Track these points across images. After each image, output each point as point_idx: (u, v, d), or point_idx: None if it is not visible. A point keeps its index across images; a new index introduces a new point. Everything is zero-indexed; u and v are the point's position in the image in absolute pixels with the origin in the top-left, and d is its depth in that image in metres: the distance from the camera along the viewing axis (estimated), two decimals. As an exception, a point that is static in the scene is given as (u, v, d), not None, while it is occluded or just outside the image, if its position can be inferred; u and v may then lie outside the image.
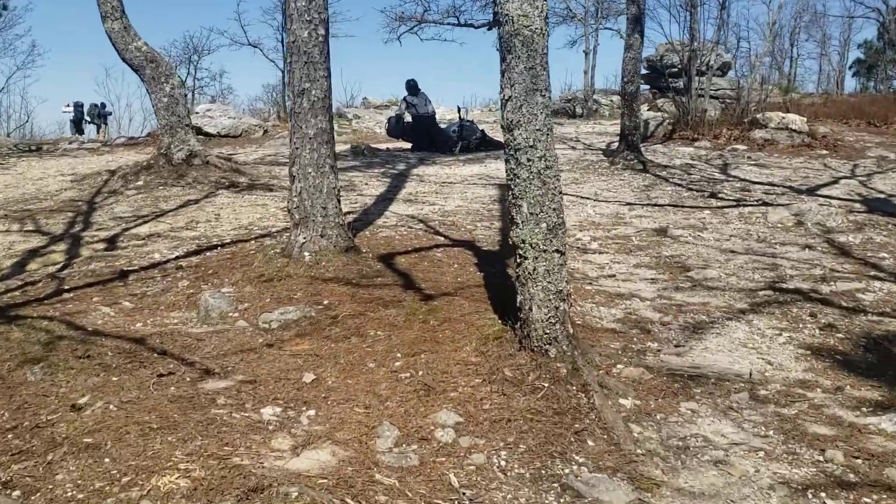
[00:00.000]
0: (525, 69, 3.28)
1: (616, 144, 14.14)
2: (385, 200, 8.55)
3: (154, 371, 3.39)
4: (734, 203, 8.48)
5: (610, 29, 25.76)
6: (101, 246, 6.56)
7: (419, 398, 3.14)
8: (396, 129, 14.34)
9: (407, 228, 6.72)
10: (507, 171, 3.46)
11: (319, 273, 4.81)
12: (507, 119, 3.35)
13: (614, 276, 5.51)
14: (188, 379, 3.34)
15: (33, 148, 16.47)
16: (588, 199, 8.68)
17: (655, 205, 8.36)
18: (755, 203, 8.45)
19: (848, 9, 39.46)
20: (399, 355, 3.56)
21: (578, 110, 25.48)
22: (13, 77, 34.46)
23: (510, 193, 3.47)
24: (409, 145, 14.70)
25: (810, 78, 38.28)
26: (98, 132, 25.09)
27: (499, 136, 17.82)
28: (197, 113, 18.99)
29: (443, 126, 14.99)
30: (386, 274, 4.92)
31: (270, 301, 4.37)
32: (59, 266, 5.85)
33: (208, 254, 5.83)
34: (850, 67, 40.36)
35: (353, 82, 68.13)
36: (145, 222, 7.67)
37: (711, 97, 27.10)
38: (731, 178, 10.22)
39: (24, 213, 8.21)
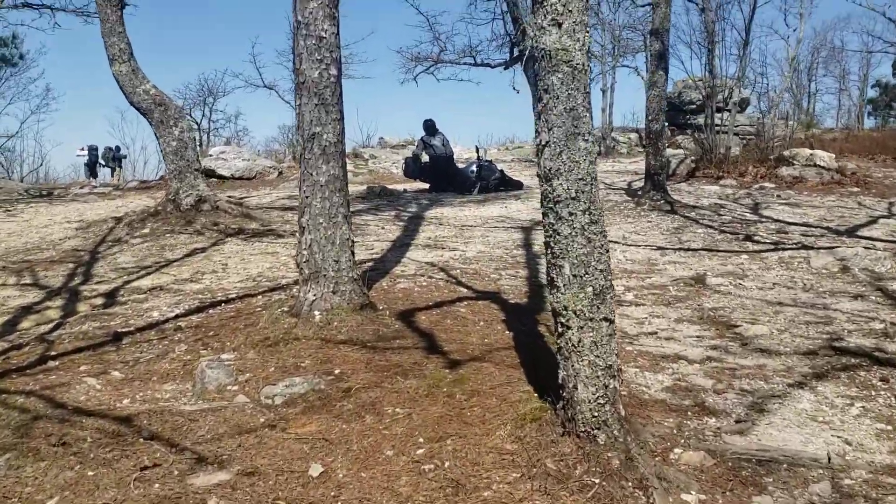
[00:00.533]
0: (565, 110, 2.84)
1: (639, 184, 13.69)
2: (403, 246, 8.11)
3: (138, 462, 2.92)
4: (772, 246, 7.96)
5: (627, 66, 25.50)
6: (100, 301, 6.14)
7: (446, 498, 2.64)
8: (414, 169, 13.99)
9: (427, 278, 6.26)
10: (545, 227, 3.00)
11: (331, 335, 4.34)
12: (545, 167, 2.90)
13: (655, 333, 4.99)
14: (176, 472, 2.86)
15: (44, 193, 16.27)
16: (616, 243, 8.19)
17: (688, 249, 7.86)
18: (794, 246, 7.93)
19: (866, 44, 39.08)
20: (421, 440, 3.07)
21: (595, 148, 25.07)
22: (27, 121, 34.65)
23: (549, 252, 3.00)
24: (426, 186, 14.33)
25: (829, 113, 37.83)
26: (113, 175, 24.98)
27: (517, 175, 17.45)
28: (210, 155, 18.79)
29: (461, 166, 14.63)
30: (405, 334, 4.44)
31: (275, 370, 3.89)
32: (52, 325, 5.43)
33: (211, 311, 5.39)
34: (868, 103, 39.90)
35: (369, 122, 68.60)
36: (148, 274, 7.26)
37: (727, 133, 26.74)
38: (764, 219, 9.71)
39: (24, 264, 7.83)
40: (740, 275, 6.71)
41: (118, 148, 24.93)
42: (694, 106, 27.31)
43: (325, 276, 4.64)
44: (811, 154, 13.96)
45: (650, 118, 10.67)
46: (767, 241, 8.27)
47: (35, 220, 11.36)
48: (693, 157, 15.76)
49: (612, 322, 2.93)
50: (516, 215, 10.55)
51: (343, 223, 4.74)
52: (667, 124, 29.52)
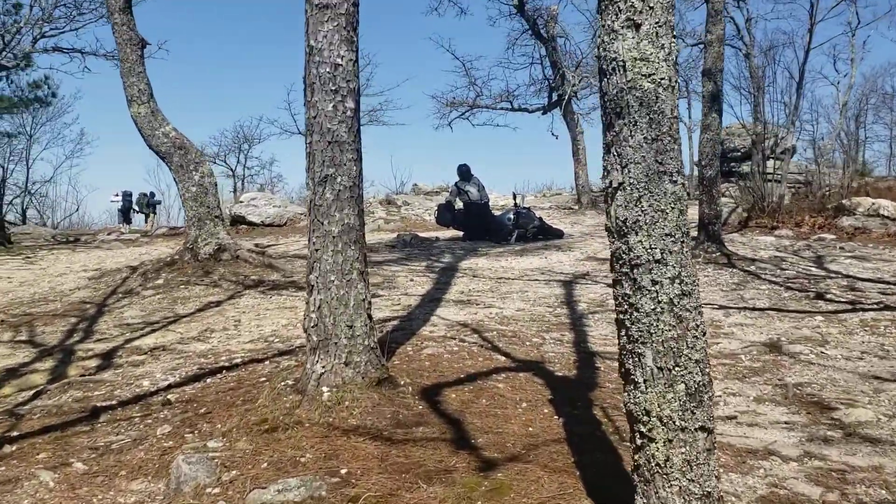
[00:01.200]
0: (646, 141, 2.09)
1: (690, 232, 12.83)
2: (432, 301, 7.36)
3: None
4: (849, 306, 7.03)
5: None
6: (93, 364, 5.48)
7: None
8: (447, 217, 13.31)
9: (458, 342, 5.47)
10: (617, 300, 2.23)
11: (340, 418, 3.57)
12: (618, 217, 2.15)
13: (735, 417, 4.13)
14: None
15: (70, 239, 15.93)
16: (671, 300, 7.33)
17: (755, 309, 6.96)
18: (876, 307, 6.98)
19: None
20: (446, 585, 2.27)
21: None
22: (61, 166, 34.99)
23: (622, 333, 2.22)
24: (460, 234, 13.63)
25: (878, 161, 36.44)
26: (146, 221, 24.81)
27: (556, 224, 16.68)
28: (241, 202, 18.40)
29: (497, 214, 13.91)
30: (430, 420, 3.65)
31: (268, 466, 3.13)
32: (32, 393, 4.76)
33: (209, 380, 4.66)
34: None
35: (402, 169, 68.52)
36: (154, 331, 6.61)
37: (778, 181, 25.72)
38: (833, 275, 8.76)
39: (25, 317, 7.25)
40: (820, 341, 5.80)
41: (153, 194, 24.80)
42: (739, 153, 26.44)
43: (335, 343, 3.89)
44: (873, 203, 12.98)
45: (703, 164, 9.87)
46: (842, 299, 7.34)
47: (52, 269, 10.88)
48: (744, 207, 14.83)
49: (710, 432, 2.12)
50: (557, 267, 9.76)
51: (358, 281, 4.01)
52: (710, 171, 28.72)
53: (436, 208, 13.64)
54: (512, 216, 12.89)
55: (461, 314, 6.70)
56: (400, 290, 8.13)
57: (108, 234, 17.42)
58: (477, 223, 13.10)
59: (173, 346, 5.99)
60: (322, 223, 3.94)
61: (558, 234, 13.30)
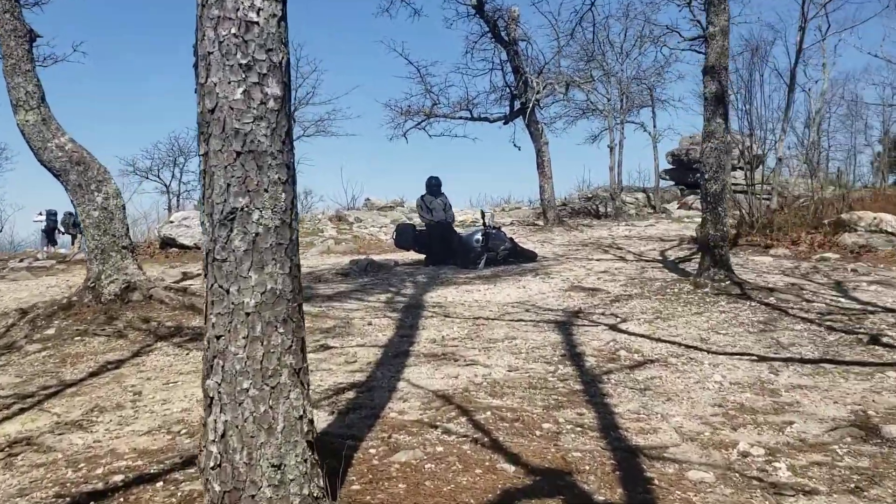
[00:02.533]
0: None
1: (676, 254, 11.46)
2: (399, 356, 5.76)
3: None
4: (915, 352, 5.67)
5: (633, 122, 23.63)
6: None
7: None
8: (407, 239, 11.71)
9: (442, 434, 3.88)
10: None
11: None
12: None
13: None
14: None
15: (-30, 268, 13.84)
16: (697, 349, 5.87)
17: (805, 361, 5.53)
18: (947, 352, 5.63)
19: (882, 98, 37.68)
20: None
21: (602, 209, 23.04)
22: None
23: None
24: (421, 257, 12.05)
25: (847, 168, 36.05)
26: (73, 243, 22.60)
27: (525, 242, 15.22)
28: (172, 222, 16.51)
29: (462, 234, 12.37)
30: None
31: None
32: None
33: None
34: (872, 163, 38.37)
35: (354, 182, 66.18)
36: (24, 409, 4.89)
37: (745, 192, 24.78)
38: (869, 307, 7.43)
39: None
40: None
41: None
42: (705, 163, 25.34)
43: (252, 497, 2.25)
44: (875, 218, 11.84)
45: (707, 177, 8.48)
46: (900, 343, 5.97)
47: (-74, 310, 8.92)
48: (731, 223, 13.57)
49: None
50: (541, 300, 8.24)
51: (291, 386, 2.39)
52: (673, 183, 27.65)
53: (394, 229, 12.01)
54: (480, 237, 11.36)
55: (438, 378, 5.11)
56: (356, 337, 6.51)
57: (20, 261, 15.32)
58: (441, 246, 11.55)
59: (41, 439, 4.28)
60: (227, 291, 2.31)
61: (531, 257, 11.82)
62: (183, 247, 16.01)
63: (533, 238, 16.21)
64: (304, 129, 22.79)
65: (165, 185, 26.96)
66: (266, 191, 2.34)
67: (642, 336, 6.32)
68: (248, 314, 2.32)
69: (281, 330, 2.36)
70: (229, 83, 2.31)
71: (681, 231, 16.60)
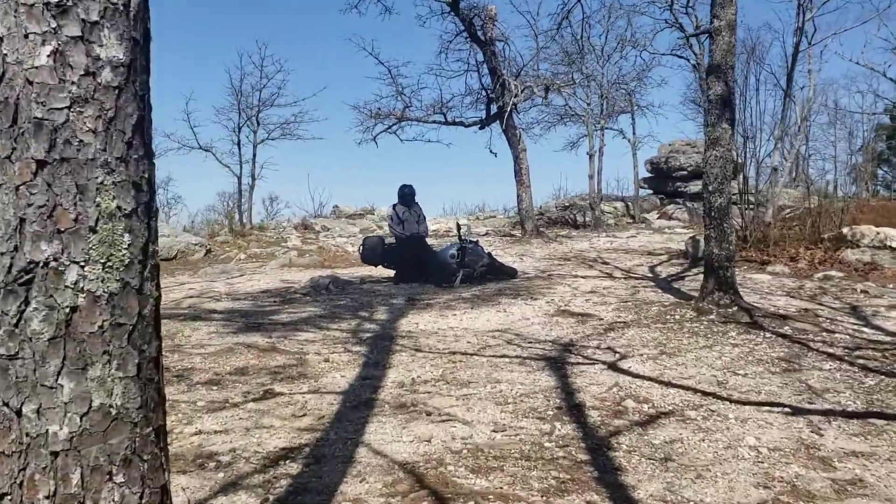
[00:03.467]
0: None
1: (667, 270, 10.56)
2: (357, 409, 4.72)
3: None
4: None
5: (612, 129, 22.81)
6: None
7: None
8: (374, 253, 10.66)
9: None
10: None
11: None
12: None
13: None
14: None
15: None
16: (717, 396, 4.91)
17: (850, 414, 4.59)
18: None
19: (862, 107, 37.35)
20: None
21: (580, 219, 22.18)
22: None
23: None
24: (391, 272, 11.01)
25: (822, 178, 35.69)
26: None
27: (502, 255, 14.24)
28: (122, 230, 15.15)
29: (436, 248, 11.35)
30: None
31: None
32: None
33: None
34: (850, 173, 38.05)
35: (321, 188, 64.22)
36: None
37: (761, 206, 24.08)
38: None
39: None
40: None
41: None
42: (686, 172, 24.75)
43: None
44: (879, 233, 11.06)
45: (711, 190, 7.56)
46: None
47: None
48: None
49: None
50: (525, 328, 7.25)
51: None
52: (651, 192, 26.92)
53: (360, 243, 10.94)
54: (456, 252, 10.35)
55: (406, 441, 4.08)
56: (309, 379, 5.45)
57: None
58: (413, 261, 10.52)
59: None
60: (18, 413, 1.25)
61: (511, 273, 10.83)
62: (133, 258, 14.79)
63: (511, 251, 15.25)
64: (268, 132, 21.61)
65: None
66: (93, 230, 1.30)
67: (649, 379, 5.34)
68: (55, 454, 1.27)
69: (120, 479, 1.32)
70: (26, 37, 1.27)
71: (665, 244, 15.75)
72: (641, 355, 6.02)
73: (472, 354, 6.14)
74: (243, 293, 10.09)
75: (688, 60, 21.91)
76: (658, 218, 23.11)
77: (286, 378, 5.51)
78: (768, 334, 6.63)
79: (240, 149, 21.34)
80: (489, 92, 17.04)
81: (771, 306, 7.91)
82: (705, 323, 7.08)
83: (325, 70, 58.89)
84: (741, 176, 13.75)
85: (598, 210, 20.54)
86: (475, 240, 11.18)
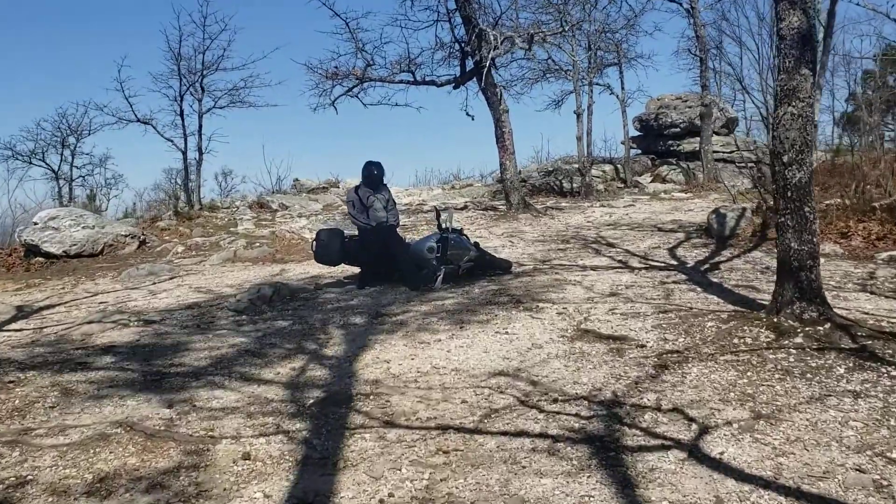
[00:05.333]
0: None
1: (691, 254, 8.49)
2: None
3: None
4: None
5: (599, 84, 20.57)
6: None
7: None
8: (331, 249, 8.44)
9: None
10: None
11: None
12: None
13: None
14: None
15: None
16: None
17: None
18: None
19: (861, 51, 35.17)
20: None
21: (566, 185, 20.06)
22: None
23: None
24: (355, 270, 8.84)
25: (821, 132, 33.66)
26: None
27: (478, 233, 12.07)
28: (36, 224, 12.85)
29: (409, 240, 9.16)
30: None
31: None
32: None
33: None
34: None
35: (279, 160, 60.14)
36: None
37: (724, 160, 22.12)
38: None
39: None
40: None
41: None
42: (678, 129, 22.65)
43: None
44: (946, 200, 9.09)
45: (786, 160, 5.44)
46: None
47: None
48: (751, 208, 10.69)
49: None
50: (539, 366, 5.15)
51: None
52: (640, 151, 24.82)
53: (314, 237, 8.64)
54: (435, 245, 8.18)
55: None
56: (224, 478, 3.32)
57: None
58: (381, 258, 8.34)
59: None
60: None
61: (505, 267, 8.71)
62: (50, 256, 12.41)
63: (496, 230, 13.10)
64: (215, 100, 19.07)
65: (54, 171, 22.81)
66: None
67: (764, 485, 3.27)
68: None
69: None
70: None
71: (672, 214, 13.72)
72: (728, 423, 3.95)
73: (472, 431, 4.02)
74: (162, 309, 7.86)
75: (680, 4, 19.73)
76: (651, 181, 21.08)
77: (186, 471, 3.38)
78: (888, 368, 4.59)
79: (183, 120, 18.78)
80: (463, 45, 14.70)
81: (859, 312, 5.88)
82: (793, 351, 5.01)
83: (278, 28, 54.87)
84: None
85: (588, 176, 18.41)
86: (459, 227, 8.97)
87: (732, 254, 9.11)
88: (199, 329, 6.79)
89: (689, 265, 8.60)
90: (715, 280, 7.64)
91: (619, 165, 21.65)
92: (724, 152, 21.53)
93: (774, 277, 7.81)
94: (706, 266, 8.46)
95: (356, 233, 8.55)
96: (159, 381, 5.16)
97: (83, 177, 24.21)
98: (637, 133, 23.95)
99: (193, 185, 19.34)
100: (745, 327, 5.58)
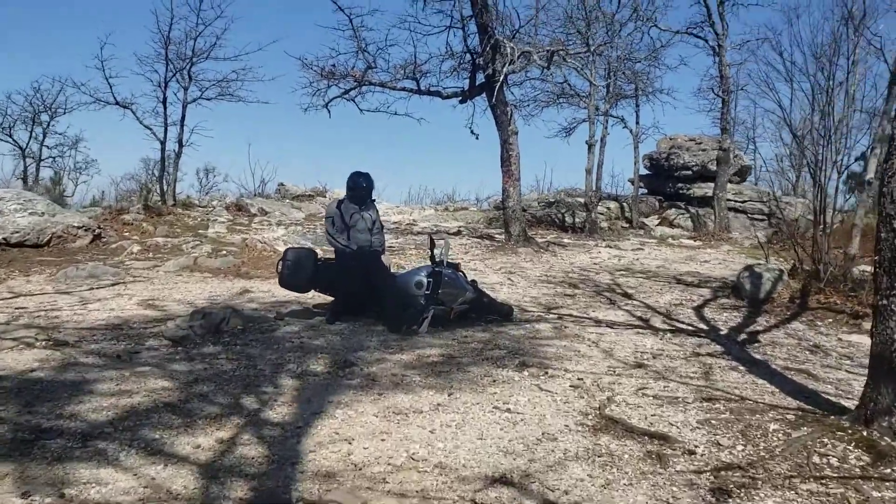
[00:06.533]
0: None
1: (720, 316, 7.19)
2: None
3: None
4: None
5: (613, 116, 19.36)
6: None
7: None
8: (301, 273, 7.03)
9: None
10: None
11: None
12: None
13: None
14: None
15: None
16: None
17: None
18: None
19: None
20: None
21: (568, 219, 18.80)
22: None
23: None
24: (327, 297, 7.47)
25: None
26: None
27: (480, 269, 10.75)
28: (-24, 204, 11.38)
29: (398, 273, 7.77)
30: None
31: None
32: None
33: None
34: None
35: (266, 161, 57.23)
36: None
37: (735, 209, 20.91)
38: None
39: None
40: None
41: None
42: (689, 172, 21.47)
43: None
44: None
45: (889, 210, 4.13)
46: None
47: None
48: (786, 269, 9.39)
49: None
50: (553, 467, 3.78)
51: None
52: (646, 191, 23.64)
53: (281, 256, 7.16)
54: (426, 280, 6.81)
55: None
56: None
57: None
58: (360, 288, 6.95)
59: None
60: None
61: (505, 314, 7.35)
62: (-12, 241, 10.93)
63: (493, 263, 11.76)
64: (202, 90, 17.71)
65: (21, 148, 21.25)
66: None
67: None
68: None
69: None
70: None
71: (686, 264, 12.44)
72: None
73: None
74: (85, 327, 6.42)
75: (706, 41, 18.62)
76: (658, 224, 19.85)
77: None
78: None
79: (165, 108, 17.35)
80: (476, 56, 13.43)
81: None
82: (904, 486, 3.66)
83: (277, 19, 52.90)
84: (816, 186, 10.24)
85: (594, 213, 17.14)
86: (457, 262, 7.58)
87: (769, 322, 7.80)
88: (117, 361, 5.35)
89: (721, 332, 7.28)
90: (758, 356, 6.32)
91: (624, 204, 20.43)
92: (736, 201, 20.34)
93: (827, 360, 6.50)
94: (743, 336, 7.14)
95: (333, 255, 7.17)
96: (30, 445, 3.74)
97: (53, 157, 22.67)
98: (646, 172, 22.77)
99: (171, 178, 17.92)
100: (825, 439, 4.22)
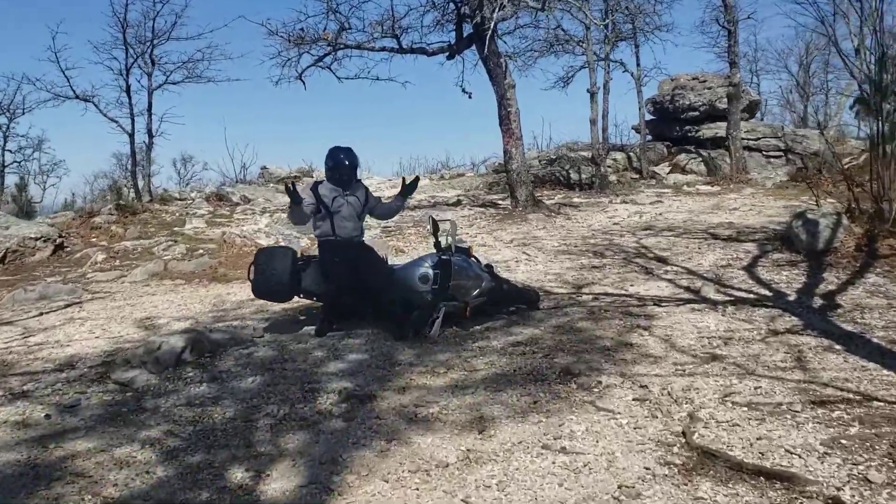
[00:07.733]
0: None
1: (782, 276, 6.01)
2: None
3: None
4: None
5: (613, 61, 17.93)
6: None
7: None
8: (276, 277, 5.72)
9: None
10: None
11: None
12: None
13: None
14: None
15: None
16: None
17: None
18: None
19: None
20: None
21: (574, 176, 17.49)
22: None
23: None
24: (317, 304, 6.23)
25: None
26: None
27: (489, 242, 9.43)
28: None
29: (398, 265, 6.49)
30: None
31: None
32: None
33: None
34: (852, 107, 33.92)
35: (245, 145, 54.60)
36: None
37: (748, 148, 19.59)
38: None
39: None
40: None
41: None
42: (696, 113, 20.08)
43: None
44: None
45: None
46: None
47: None
48: (843, 212, 8.12)
49: None
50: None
51: None
52: (651, 137, 22.26)
53: (253, 260, 5.85)
54: (432, 272, 5.56)
55: None
56: None
57: None
58: (348, 289, 5.71)
59: None
60: None
61: (531, 300, 6.12)
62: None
63: (503, 234, 10.50)
64: (166, 74, 16.32)
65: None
66: None
67: None
68: None
69: None
70: None
71: (715, 214, 11.20)
72: None
73: None
74: (18, 372, 5.18)
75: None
76: (670, 172, 18.56)
77: None
78: None
79: (130, 97, 15.98)
80: (461, 4, 12.03)
81: None
82: None
83: None
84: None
85: (603, 166, 15.83)
86: (467, 246, 6.30)
87: (840, 278, 6.57)
88: (42, 423, 4.12)
89: (790, 297, 6.05)
90: (849, 327, 5.11)
91: (631, 154, 19.12)
92: (749, 139, 19.01)
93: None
94: (818, 300, 5.92)
95: (318, 250, 5.92)
96: None
97: (18, 162, 21.30)
98: (650, 117, 21.39)
99: (144, 172, 16.62)
100: None
